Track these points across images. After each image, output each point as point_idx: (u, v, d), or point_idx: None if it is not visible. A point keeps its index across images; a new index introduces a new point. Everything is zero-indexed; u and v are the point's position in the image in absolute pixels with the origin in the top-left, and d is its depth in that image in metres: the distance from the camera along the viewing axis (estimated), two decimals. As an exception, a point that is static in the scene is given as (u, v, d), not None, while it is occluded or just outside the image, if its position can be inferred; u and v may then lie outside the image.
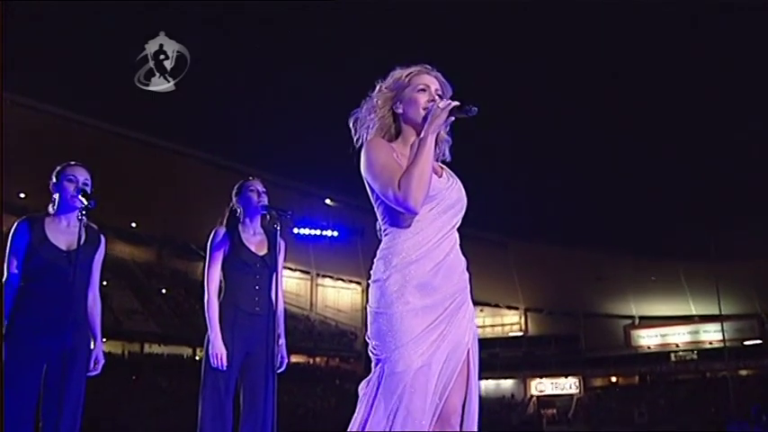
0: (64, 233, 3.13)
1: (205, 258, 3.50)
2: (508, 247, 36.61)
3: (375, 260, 2.12)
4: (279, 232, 3.46)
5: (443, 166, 2.24)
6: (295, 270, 36.66)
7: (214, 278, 3.45)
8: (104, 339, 3.64)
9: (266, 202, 3.56)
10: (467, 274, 2.15)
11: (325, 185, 30.31)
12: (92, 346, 3.19)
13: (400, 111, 2.19)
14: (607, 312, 38.89)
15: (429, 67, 2.23)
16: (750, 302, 34.70)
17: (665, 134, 29.08)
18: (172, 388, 22.34)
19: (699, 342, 35.94)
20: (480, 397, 2.12)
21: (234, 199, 3.61)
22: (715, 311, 29.45)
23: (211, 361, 3.28)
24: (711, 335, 34.75)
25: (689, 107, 27.57)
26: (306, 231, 31.08)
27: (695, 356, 35.42)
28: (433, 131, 2.06)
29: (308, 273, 38.13)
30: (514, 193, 30.82)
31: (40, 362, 2.97)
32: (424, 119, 2.11)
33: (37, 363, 2.96)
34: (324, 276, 39.08)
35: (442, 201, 2.10)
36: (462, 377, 2.05)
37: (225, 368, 3.28)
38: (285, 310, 3.71)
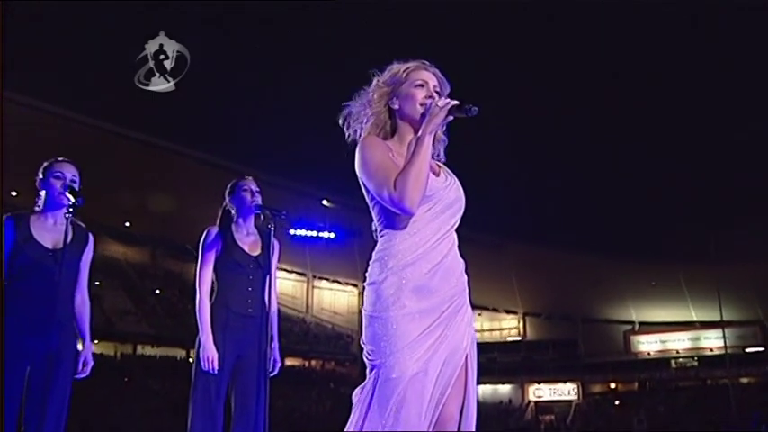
0: (50, 231, 3.05)
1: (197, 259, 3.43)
2: (506, 250, 36.34)
3: (371, 262, 2.06)
4: (273, 232, 3.38)
5: (441, 165, 2.18)
6: (291, 272, 36.50)
7: (205, 279, 3.37)
8: (96, 341, 3.57)
9: (260, 202, 3.50)
10: (465, 277, 2.09)
11: (323, 186, 30.21)
12: (79, 348, 3.11)
13: (396, 106, 2.13)
14: (606, 318, 38.68)
15: (427, 62, 2.17)
16: (752, 308, 34.53)
17: (665, 134, 29.04)
18: (164, 390, 22.10)
19: (700, 348, 35.75)
20: (477, 402, 2.06)
21: (227, 198, 3.54)
22: (716, 317, 29.35)
23: (202, 364, 3.20)
24: (712, 341, 34.57)
25: (689, 107, 27.55)
26: (302, 233, 30.98)
27: (696, 363, 35.18)
28: (431, 131, 2.00)
29: (304, 275, 37.99)
30: (513, 193, 30.75)
31: (23, 363, 2.89)
32: (422, 116, 2.05)
33: (20, 364, 2.88)
34: (320, 278, 38.94)
35: (440, 201, 2.04)
36: (460, 383, 1.99)
37: (216, 371, 3.21)
38: (279, 312, 3.64)
